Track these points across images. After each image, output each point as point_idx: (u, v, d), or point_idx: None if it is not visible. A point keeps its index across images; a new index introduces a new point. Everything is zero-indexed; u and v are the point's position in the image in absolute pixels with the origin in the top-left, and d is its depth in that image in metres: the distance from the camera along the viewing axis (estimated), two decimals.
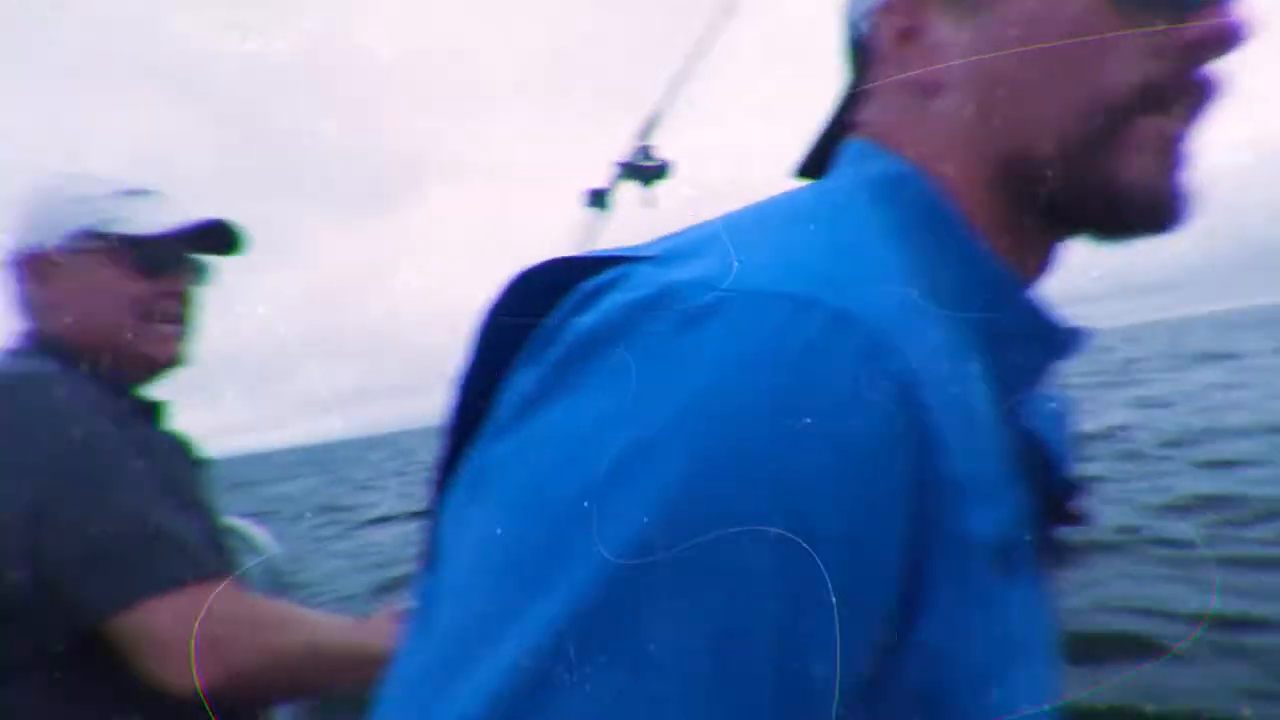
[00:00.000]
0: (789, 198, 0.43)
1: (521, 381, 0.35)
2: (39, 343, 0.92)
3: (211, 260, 1.04)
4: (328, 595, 6.81)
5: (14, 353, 0.92)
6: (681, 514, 0.28)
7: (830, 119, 0.54)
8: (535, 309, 0.37)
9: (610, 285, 0.35)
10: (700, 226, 0.40)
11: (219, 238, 1.02)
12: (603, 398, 0.31)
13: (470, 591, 0.30)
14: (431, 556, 0.36)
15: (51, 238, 0.91)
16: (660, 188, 1.27)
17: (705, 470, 0.28)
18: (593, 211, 1.22)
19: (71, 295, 0.91)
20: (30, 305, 0.93)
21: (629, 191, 1.25)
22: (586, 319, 0.34)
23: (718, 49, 1.21)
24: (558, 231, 1.20)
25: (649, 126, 1.25)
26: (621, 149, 1.25)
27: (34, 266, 0.92)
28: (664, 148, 1.26)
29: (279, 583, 1.10)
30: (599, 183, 1.23)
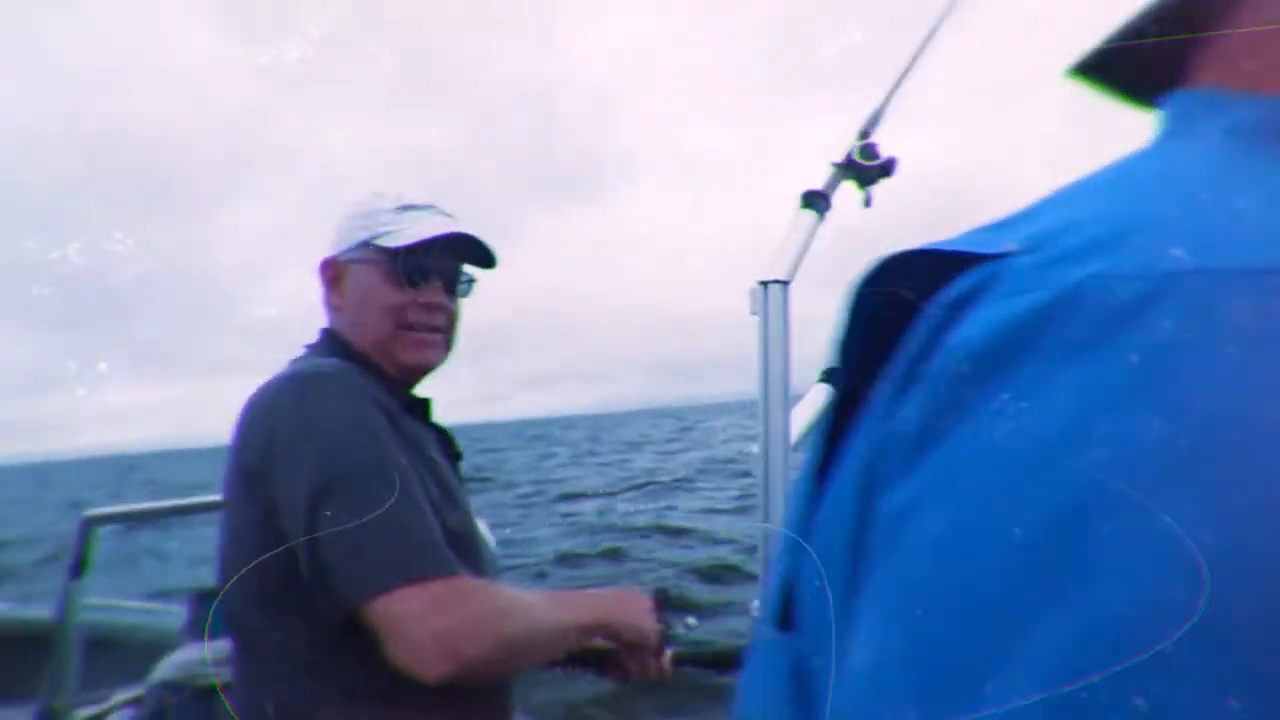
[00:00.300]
0: (1144, 163, 0.34)
1: (906, 413, 0.29)
2: (331, 340, 1.03)
3: (468, 274, 1.08)
4: (530, 558, 7.32)
5: (312, 347, 1.04)
6: (1222, 567, 0.20)
7: (1136, 24, 0.40)
8: (884, 316, 0.32)
9: (981, 290, 0.28)
10: (1038, 210, 0.32)
11: (468, 250, 1.05)
12: (1031, 421, 0.25)
13: (904, 662, 0.25)
14: (787, 607, 0.32)
15: (343, 247, 1.02)
16: (880, 188, 1.18)
17: (1241, 504, 0.21)
18: (808, 214, 1.15)
19: (350, 300, 1.01)
20: (327, 306, 1.05)
21: (847, 192, 1.17)
22: (971, 331, 0.27)
23: (947, 37, 1.10)
24: (774, 230, 1.15)
25: (871, 123, 1.16)
26: (840, 148, 1.18)
27: (328, 272, 1.04)
28: (886, 145, 1.17)
29: (495, 571, 1.17)
30: (816, 183, 1.16)
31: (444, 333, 1.05)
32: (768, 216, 1.26)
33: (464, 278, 1.07)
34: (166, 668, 1.42)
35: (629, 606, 1.01)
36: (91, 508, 1.89)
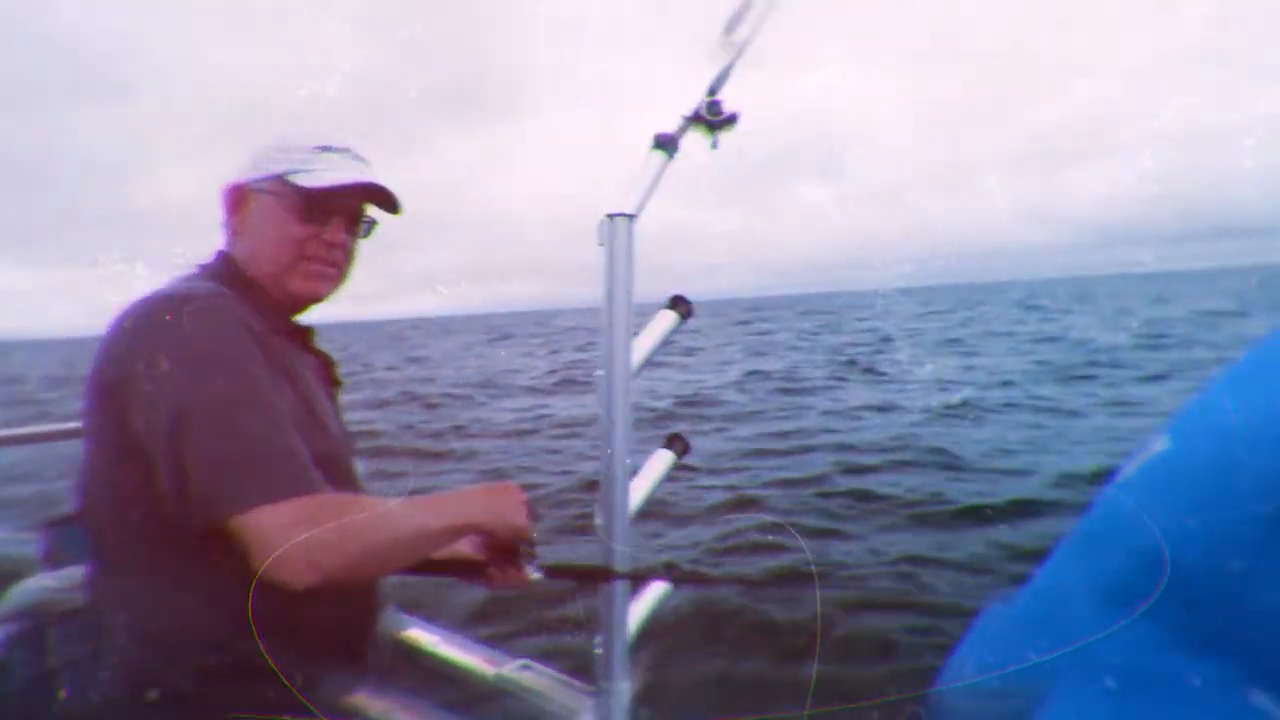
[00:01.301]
0: None
1: None
2: (224, 263, 1.03)
3: (370, 216, 1.09)
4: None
5: (205, 267, 1.03)
6: None
7: None
8: None
9: None
10: None
11: (375, 199, 1.07)
12: None
13: None
14: None
15: (254, 176, 1.01)
16: (726, 136, 1.27)
17: None
18: (658, 155, 1.22)
19: (252, 227, 1.01)
20: (227, 229, 1.04)
21: (695, 139, 1.25)
22: None
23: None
24: (630, 167, 1.21)
25: (718, 81, 1.24)
26: (692, 99, 1.25)
27: (233, 197, 1.02)
28: (732, 99, 1.25)
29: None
30: (668, 127, 1.23)
31: (339, 268, 1.06)
32: (636, 153, 1.31)
33: (366, 220, 1.09)
34: (20, 595, 1.38)
35: (499, 502, 0.99)
36: None
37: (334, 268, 1.05)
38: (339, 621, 0.99)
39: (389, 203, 1.08)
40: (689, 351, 16.36)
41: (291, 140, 1.03)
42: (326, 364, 1.12)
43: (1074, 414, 6.60)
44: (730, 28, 1.17)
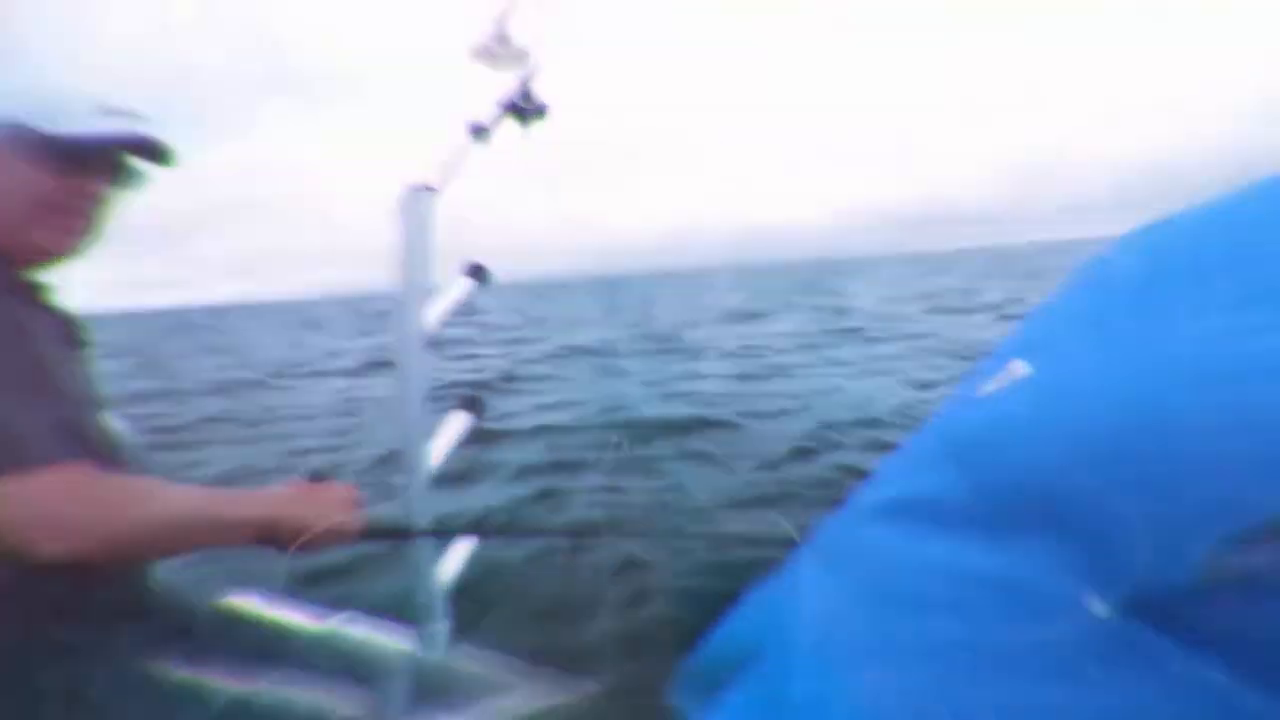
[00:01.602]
0: None
1: None
2: None
3: (138, 168, 1.00)
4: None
5: None
6: None
7: None
8: None
9: None
10: None
11: (142, 151, 1.00)
12: None
13: None
14: None
15: None
16: (537, 126, 1.36)
17: None
18: (469, 137, 1.30)
19: None
20: None
21: (508, 128, 1.33)
22: None
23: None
24: (440, 154, 1.27)
25: (531, 73, 1.33)
26: (506, 89, 1.33)
27: None
28: (544, 91, 1.35)
29: (138, 464, 1.11)
30: (482, 117, 1.31)
31: (87, 220, 0.98)
32: (447, 142, 1.36)
33: (130, 171, 1.00)
34: None
35: (317, 499, 0.96)
36: None
37: (82, 219, 0.97)
38: (91, 592, 0.92)
39: (155, 153, 1.01)
40: (512, 329, 16.22)
41: (36, 88, 0.94)
42: (67, 322, 1.02)
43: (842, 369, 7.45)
44: (500, 21, 1.25)
